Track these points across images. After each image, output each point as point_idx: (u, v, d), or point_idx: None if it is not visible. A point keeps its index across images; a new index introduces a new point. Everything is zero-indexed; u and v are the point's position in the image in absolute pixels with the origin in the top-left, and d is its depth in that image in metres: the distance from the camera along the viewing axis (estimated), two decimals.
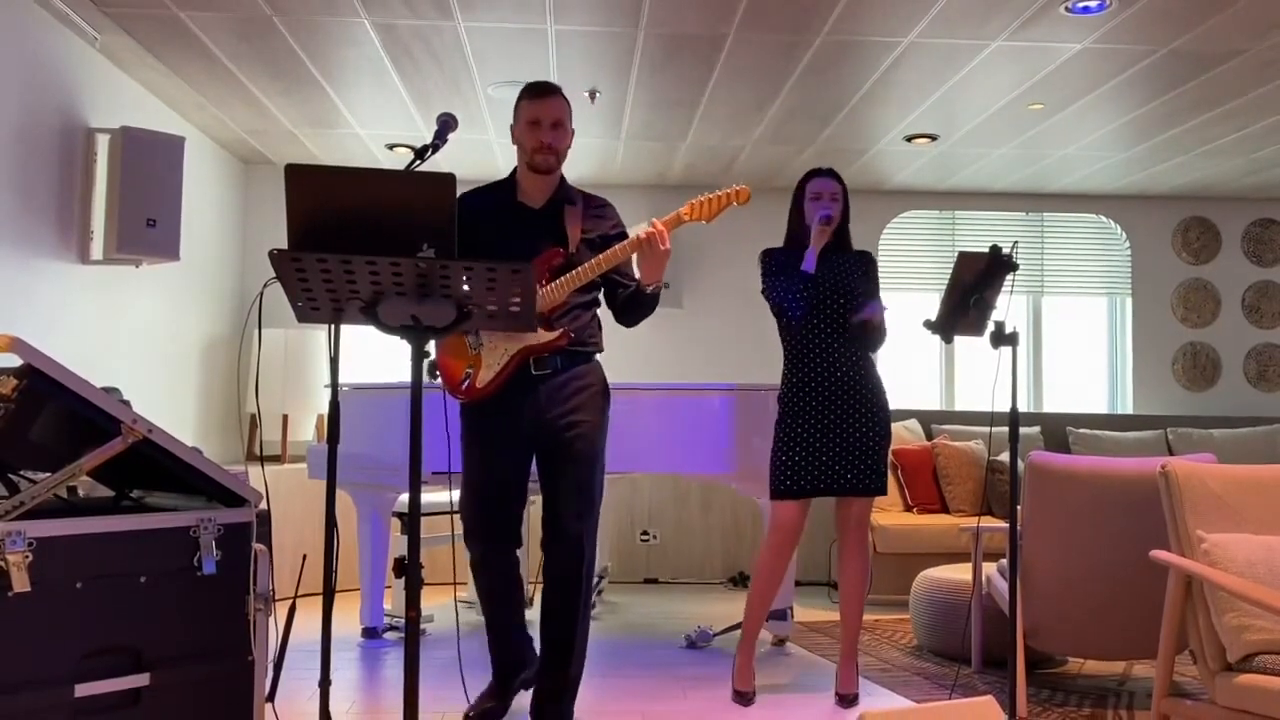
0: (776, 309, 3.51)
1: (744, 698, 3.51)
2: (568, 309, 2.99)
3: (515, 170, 3.12)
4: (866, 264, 3.58)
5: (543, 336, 2.92)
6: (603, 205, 3.16)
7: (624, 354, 6.36)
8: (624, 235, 3.11)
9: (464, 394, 2.99)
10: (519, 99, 3.03)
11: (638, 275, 3.01)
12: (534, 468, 3.09)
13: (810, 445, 3.41)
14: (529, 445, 3.03)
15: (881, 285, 3.62)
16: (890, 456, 5.84)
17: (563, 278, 2.93)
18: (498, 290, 2.00)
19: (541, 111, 2.97)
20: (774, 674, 3.95)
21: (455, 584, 4.87)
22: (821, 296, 3.46)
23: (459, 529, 3.17)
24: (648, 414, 4.20)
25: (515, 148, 3.08)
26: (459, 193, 3.03)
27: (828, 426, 3.42)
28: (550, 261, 2.98)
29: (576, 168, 6.24)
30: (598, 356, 3.14)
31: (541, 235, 3.01)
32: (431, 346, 3.11)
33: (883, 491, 3.47)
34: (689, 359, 6.68)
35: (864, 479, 3.43)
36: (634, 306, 3.07)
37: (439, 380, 3.07)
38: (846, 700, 3.51)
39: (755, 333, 6.60)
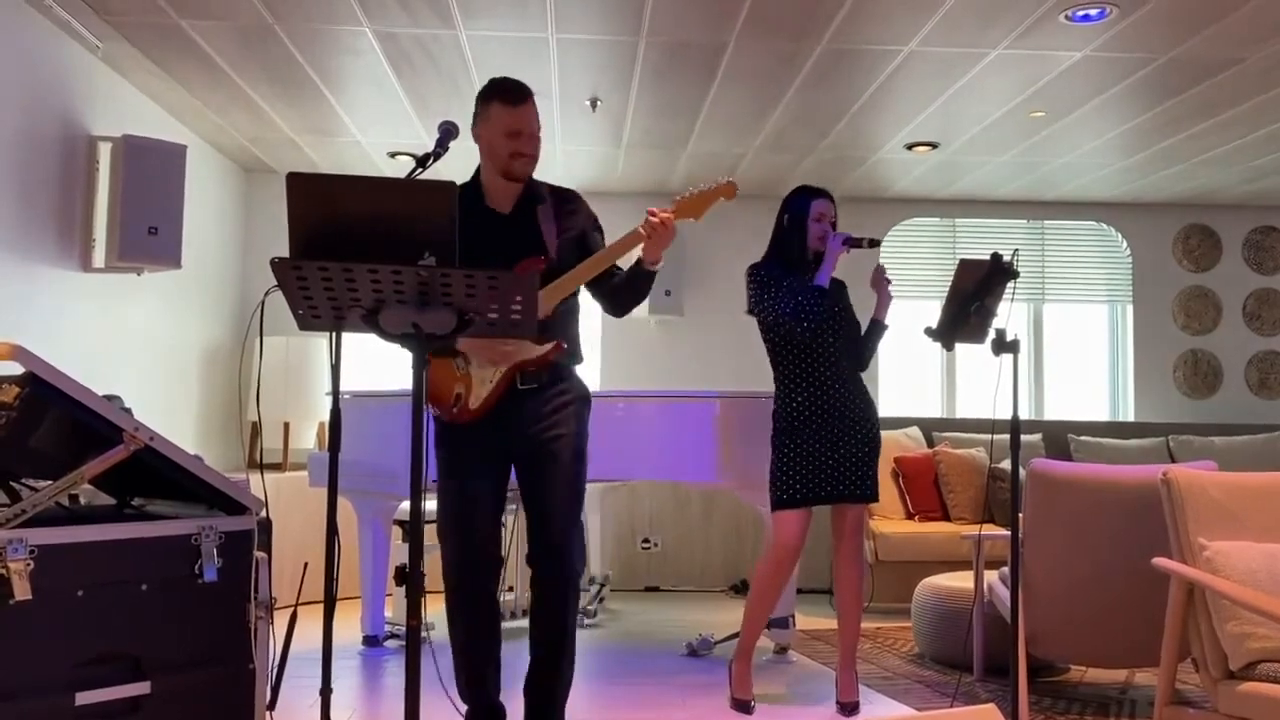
0: (783, 321, 3.44)
1: (744, 706, 3.51)
2: (556, 318, 2.83)
3: (478, 172, 2.90)
4: (843, 288, 3.67)
5: (535, 350, 2.78)
6: (573, 199, 2.96)
7: (624, 360, 6.37)
8: (598, 224, 2.98)
9: (456, 416, 2.83)
10: (488, 99, 2.80)
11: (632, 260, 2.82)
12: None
13: (811, 457, 3.44)
14: (507, 460, 2.91)
15: None
16: (892, 464, 5.87)
17: (553, 284, 2.76)
18: (499, 298, 2.00)
19: (521, 121, 2.78)
20: (775, 682, 3.94)
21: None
22: (828, 311, 3.51)
23: None
24: (645, 421, 4.20)
25: (479, 147, 2.85)
26: None
27: (827, 438, 3.45)
28: (530, 270, 2.87)
29: (576, 175, 6.25)
30: (576, 368, 2.99)
31: (516, 243, 2.83)
32: None
33: (876, 498, 3.52)
34: (689, 366, 6.67)
35: (860, 486, 3.47)
36: (630, 290, 2.88)
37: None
38: (847, 709, 3.51)
39: (756, 340, 6.55)
